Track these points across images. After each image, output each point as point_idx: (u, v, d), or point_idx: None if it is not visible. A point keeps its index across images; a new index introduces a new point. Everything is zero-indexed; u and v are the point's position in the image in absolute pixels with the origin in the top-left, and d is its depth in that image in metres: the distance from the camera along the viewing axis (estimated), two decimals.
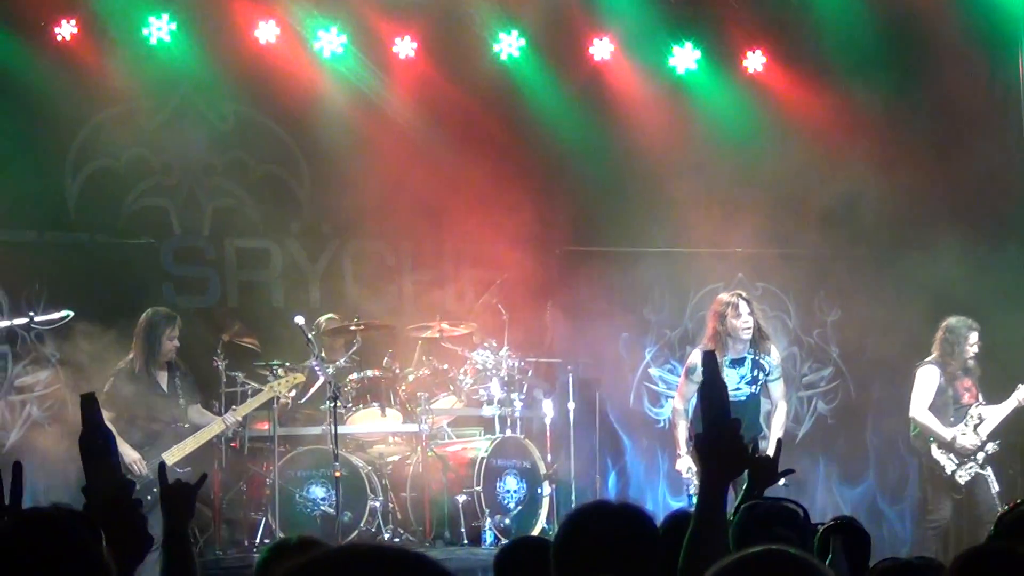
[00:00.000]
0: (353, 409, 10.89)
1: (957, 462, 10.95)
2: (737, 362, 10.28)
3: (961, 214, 12.38)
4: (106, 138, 11.86)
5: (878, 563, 4.59)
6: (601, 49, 12.77)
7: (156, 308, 10.55)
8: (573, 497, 11.15)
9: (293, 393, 10.69)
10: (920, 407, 11.05)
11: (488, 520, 10.44)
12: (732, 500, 4.47)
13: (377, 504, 10.40)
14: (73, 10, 11.63)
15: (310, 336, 10.66)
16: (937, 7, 12.47)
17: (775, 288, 13.16)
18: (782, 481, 4.68)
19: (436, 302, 12.02)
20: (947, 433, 10.94)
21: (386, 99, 12.44)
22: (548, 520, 10.68)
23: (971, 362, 11.08)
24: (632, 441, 12.85)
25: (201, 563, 7.59)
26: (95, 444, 3.66)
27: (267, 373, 10.61)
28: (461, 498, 10.52)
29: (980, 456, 10.96)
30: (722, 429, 3.44)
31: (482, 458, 10.62)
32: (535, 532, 10.43)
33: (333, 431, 10.26)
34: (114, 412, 9.78)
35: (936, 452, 11.01)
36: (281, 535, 9.61)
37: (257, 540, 10.22)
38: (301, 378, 10.66)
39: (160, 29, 11.80)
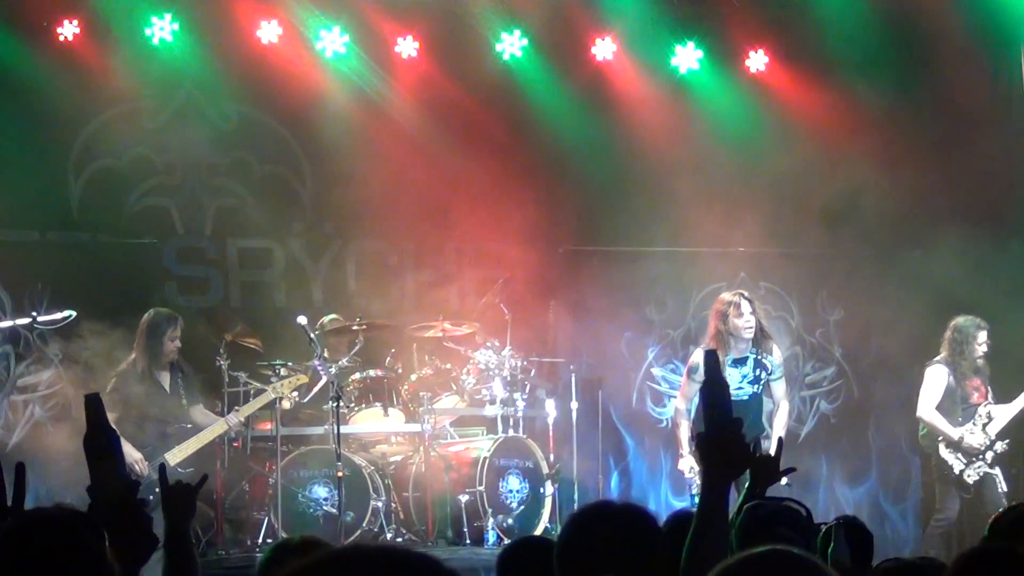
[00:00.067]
0: (356, 409, 10.89)
1: (965, 461, 10.95)
2: (739, 361, 10.27)
3: (964, 213, 12.37)
4: (108, 138, 11.87)
5: (881, 563, 4.59)
6: (603, 49, 12.77)
7: (158, 309, 10.56)
8: (576, 497, 11.15)
9: (296, 394, 10.69)
10: (927, 407, 11.05)
11: (491, 520, 10.44)
12: (735, 500, 4.47)
13: (380, 504, 10.40)
14: (75, 10, 11.63)
15: (313, 336, 10.65)
16: (939, 6, 12.46)
17: (778, 287, 13.16)
18: (784, 480, 4.68)
19: (439, 302, 12.02)
20: (955, 432, 10.94)
21: (388, 99, 12.44)
22: (551, 520, 10.68)
23: (980, 361, 11.08)
24: (635, 441, 12.85)
25: (203, 563, 7.60)
26: (100, 444, 3.67)
27: (270, 373, 10.61)
28: (464, 498, 10.52)
29: (989, 455, 10.95)
30: (724, 429, 3.44)
31: (485, 458, 10.61)
32: (537, 532, 10.42)
33: (336, 431, 10.26)
34: (116, 413, 9.78)
35: (944, 451, 11.00)
36: (284, 535, 9.61)
37: (260, 540, 10.22)
38: (304, 379, 10.66)
39: (163, 29, 11.81)
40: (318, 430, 10.82)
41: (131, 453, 9.92)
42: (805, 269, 13.13)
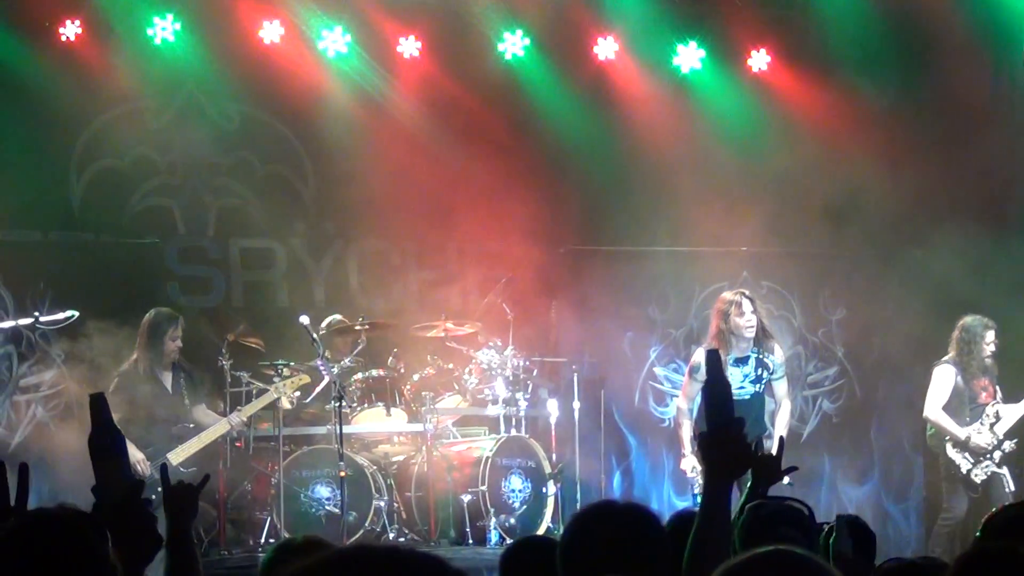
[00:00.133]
0: (358, 409, 10.89)
1: (972, 461, 10.94)
2: (741, 360, 10.27)
3: (967, 211, 12.36)
4: (111, 138, 11.87)
5: (883, 563, 4.58)
6: (605, 48, 12.77)
7: (159, 308, 10.55)
8: (578, 496, 11.15)
9: (298, 394, 10.68)
10: (934, 407, 11.05)
11: (493, 519, 10.44)
12: (737, 499, 4.47)
13: (382, 504, 10.40)
14: (77, 10, 11.63)
15: (315, 336, 10.65)
16: (941, 5, 12.46)
17: (780, 287, 13.15)
18: (786, 479, 4.68)
19: (441, 301, 12.02)
20: (961, 432, 10.94)
21: (390, 99, 12.44)
22: (553, 520, 10.68)
23: (988, 361, 11.07)
24: (637, 440, 12.85)
25: (206, 563, 7.59)
26: (104, 444, 3.67)
27: (272, 373, 10.61)
28: (466, 497, 10.52)
29: (997, 455, 10.94)
30: (726, 428, 3.44)
31: (487, 457, 10.61)
32: (540, 531, 10.42)
33: (338, 431, 10.26)
34: (119, 413, 9.68)
35: (951, 451, 11.00)
36: (286, 535, 9.61)
37: (262, 540, 10.22)
38: (306, 379, 10.66)
39: (165, 29, 11.80)
40: (320, 430, 10.83)
41: (134, 453, 9.90)
42: (807, 268, 13.13)
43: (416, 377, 11.14)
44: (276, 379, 10.50)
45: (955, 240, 11.96)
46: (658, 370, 13.01)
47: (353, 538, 10.01)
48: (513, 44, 12.60)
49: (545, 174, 12.66)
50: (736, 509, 4.29)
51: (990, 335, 11.05)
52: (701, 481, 7.35)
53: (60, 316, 10.29)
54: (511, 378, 10.98)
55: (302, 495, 10.35)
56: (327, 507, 10.34)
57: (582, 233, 12.90)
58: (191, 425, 10.38)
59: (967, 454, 10.96)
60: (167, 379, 10.41)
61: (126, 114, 11.93)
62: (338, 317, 11.41)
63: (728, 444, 3.45)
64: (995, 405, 11.03)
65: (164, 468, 4.42)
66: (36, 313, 10.59)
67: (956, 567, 3.20)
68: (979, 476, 10.92)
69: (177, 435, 10.28)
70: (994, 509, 3.96)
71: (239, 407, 10.39)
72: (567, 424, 11.30)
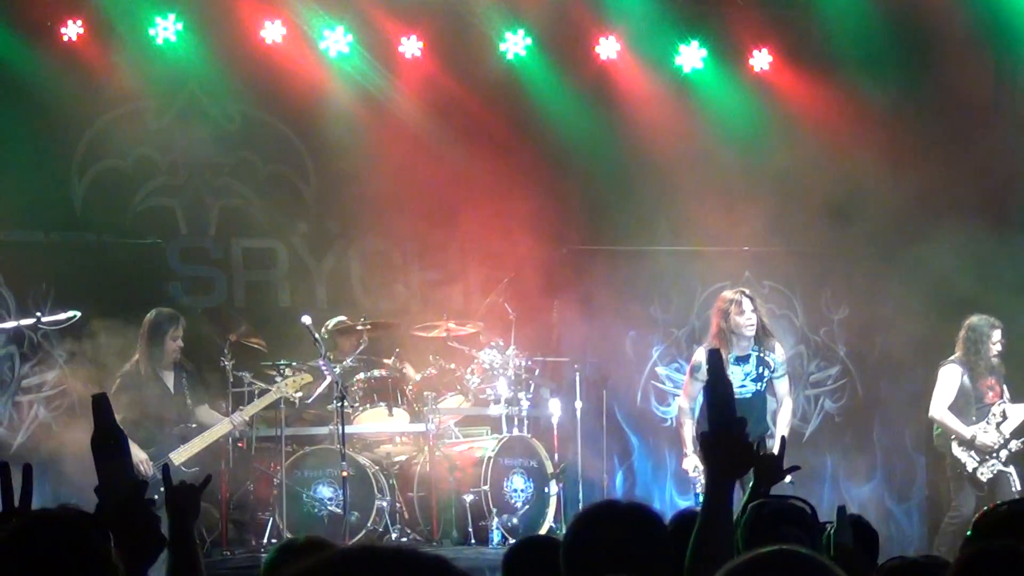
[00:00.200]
0: (360, 409, 10.90)
1: (978, 459, 10.93)
2: (742, 359, 10.26)
3: (969, 210, 12.35)
4: (112, 138, 11.87)
5: (886, 562, 4.57)
6: (607, 48, 12.76)
7: (160, 308, 10.55)
8: (580, 496, 11.15)
9: (300, 394, 10.68)
10: (940, 406, 11.04)
11: (495, 519, 10.44)
12: (739, 498, 4.47)
13: (384, 504, 10.40)
14: (79, 10, 11.63)
15: (317, 336, 10.65)
16: (943, 3, 12.46)
17: (782, 286, 13.15)
18: (788, 478, 4.67)
19: (443, 301, 12.02)
20: (967, 431, 10.93)
21: (392, 98, 12.44)
22: (555, 519, 10.68)
23: (995, 360, 11.07)
24: (639, 440, 12.85)
25: (208, 563, 7.61)
26: (107, 445, 3.66)
27: (274, 373, 10.61)
28: (468, 497, 10.52)
29: (1003, 454, 10.94)
30: (727, 428, 3.44)
31: (489, 457, 10.61)
32: (542, 531, 10.42)
33: (340, 431, 10.26)
34: (121, 414, 9.74)
35: (957, 450, 10.99)
36: (288, 535, 9.61)
37: (264, 540, 10.22)
38: (308, 378, 10.66)
39: (166, 29, 11.80)
40: (323, 430, 10.83)
41: (136, 453, 9.90)
42: (809, 267, 13.13)
43: (418, 377, 11.14)
44: (278, 379, 10.49)
45: (957, 239, 11.96)
46: (660, 369, 13.01)
47: (355, 538, 10.02)
48: (515, 44, 12.60)
49: (547, 174, 12.66)
50: (738, 509, 4.29)
51: (996, 334, 11.04)
52: (703, 480, 7.35)
53: (62, 316, 10.29)
54: (513, 378, 10.98)
55: (304, 495, 10.35)
56: (329, 507, 10.34)
57: (584, 232, 12.90)
58: (194, 425, 10.39)
59: (973, 453, 10.96)
60: (169, 379, 10.41)
61: (128, 114, 11.94)
62: (343, 318, 11.41)
63: (730, 444, 3.44)
64: (1002, 404, 11.02)
65: (166, 468, 4.42)
66: (38, 313, 10.59)
67: (957, 566, 3.19)
68: (985, 475, 10.92)
69: (180, 435, 10.28)
70: (985, 508, 3.95)
71: (241, 407, 10.39)
72: (569, 424, 11.30)
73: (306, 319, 10.60)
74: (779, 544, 2.51)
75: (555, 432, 11.10)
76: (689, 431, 10.33)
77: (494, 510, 10.47)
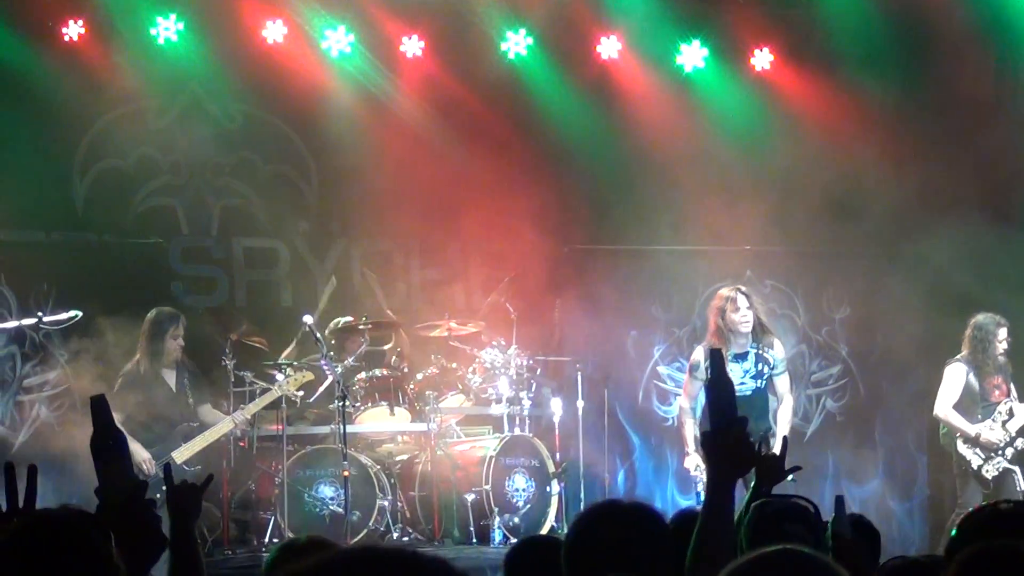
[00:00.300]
0: (362, 408, 10.90)
1: (984, 457, 10.93)
2: (740, 356, 10.25)
3: (971, 208, 12.33)
4: (114, 138, 11.87)
5: (887, 561, 4.58)
6: (608, 47, 12.76)
7: (160, 308, 10.56)
8: (582, 495, 11.14)
9: (302, 392, 10.68)
10: (944, 405, 11.04)
11: (497, 519, 10.44)
12: (742, 497, 4.46)
13: (386, 503, 10.40)
14: (80, 10, 11.63)
15: (319, 335, 10.65)
16: (944, 1, 12.45)
17: (783, 285, 13.15)
18: (790, 477, 4.67)
19: (444, 300, 12.02)
20: (971, 428, 10.93)
21: (394, 98, 12.44)
22: (557, 519, 10.68)
23: (1002, 358, 11.07)
24: (641, 439, 12.85)
25: (210, 563, 7.60)
26: (106, 446, 3.66)
27: (275, 372, 10.61)
28: (470, 497, 10.52)
29: (1009, 452, 10.93)
30: (729, 427, 3.44)
31: (491, 457, 10.61)
32: (544, 531, 10.43)
33: (342, 430, 10.26)
34: (123, 413, 9.76)
35: (962, 447, 10.99)
36: (290, 535, 9.62)
37: (266, 540, 10.22)
38: (310, 376, 10.65)
39: (168, 29, 11.80)
40: (324, 429, 10.84)
41: (139, 452, 9.91)
42: (811, 266, 13.12)
43: (420, 376, 11.14)
44: (279, 378, 10.49)
45: (959, 236, 11.95)
46: (662, 369, 13.00)
47: (357, 538, 10.02)
48: (516, 43, 12.60)
49: (548, 173, 12.65)
50: (741, 508, 4.28)
51: (1002, 332, 11.04)
52: (705, 479, 7.35)
53: (63, 316, 10.29)
54: (515, 377, 10.98)
55: (306, 495, 10.35)
56: (331, 506, 10.33)
57: (586, 232, 12.90)
58: (196, 424, 10.39)
59: (978, 450, 10.95)
60: (171, 378, 10.41)
61: (129, 114, 11.94)
62: (349, 319, 11.40)
63: (731, 443, 3.44)
64: (1008, 402, 11.01)
65: (167, 468, 4.41)
66: (39, 313, 10.59)
67: (958, 565, 3.18)
68: (990, 472, 10.91)
69: (182, 434, 10.29)
70: (970, 509, 3.94)
71: (242, 405, 10.39)
72: (571, 423, 11.30)
73: (307, 319, 10.60)
74: (783, 543, 2.51)
75: (557, 431, 11.10)
76: (691, 430, 10.33)
77: (496, 509, 10.47)
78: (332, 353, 10.82)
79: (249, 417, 10.37)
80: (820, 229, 12.71)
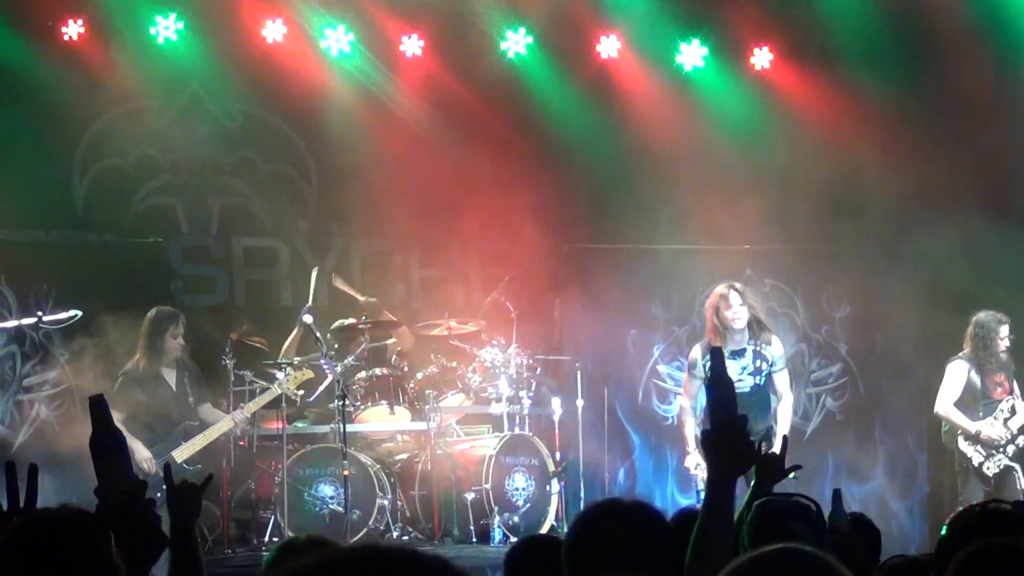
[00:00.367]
0: (361, 407, 10.90)
1: (985, 454, 10.93)
2: (737, 353, 10.23)
3: (971, 206, 12.34)
4: (114, 137, 11.87)
5: (887, 560, 4.58)
6: (608, 46, 12.76)
7: (160, 307, 10.56)
8: (582, 494, 11.15)
9: (301, 391, 10.69)
10: (945, 402, 11.05)
11: (497, 518, 10.44)
12: (743, 495, 4.46)
13: (386, 502, 10.40)
14: (80, 10, 11.63)
15: (318, 335, 10.65)
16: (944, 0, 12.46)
17: (783, 284, 13.15)
18: (791, 475, 4.68)
19: (444, 299, 12.03)
20: (972, 426, 10.94)
21: (393, 97, 12.44)
22: (557, 518, 10.69)
23: (1004, 356, 11.08)
24: (641, 438, 12.85)
25: (209, 562, 7.59)
26: (105, 446, 3.66)
27: (275, 371, 10.61)
28: (470, 496, 10.53)
29: (1010, 449, 10.93)
30: (729, 426, 3.43)
31: (491, 456, 10.62)
32: (544, 530, 10.44)
33: (342, 429, 10.26)
34: (123, 412, 9.77)
35: (963, 444, 10.99)
36: (290, 534, 9.62)
37: (266, 539, 10.23)
38: (310, 374, 10.65)
39: (167, 28, 11.81)
40: (324, 428, 10.84)
41: (140, 451, 9.92)
42: (810, 265, 13.12)
43: (420, 375, 11.15)
44: (279, 374, 10.49)
45: (959, 234, 11.95)
46: (661, 367, 13.00)
47: (357, 536, 10.02)
48: (516, 42, 12.60)
49: (548, 172, 12.65)
50: (741, 506, 4.28)
51: (1004, 330, 11.04)
52: (705, 478, 7.35)
53: (63, 315, 10.29)
54: (514, 376, 10.99)
55: (306, 494, 10.35)
56: (331, 506, 10.33)
57: (585, 230, 12.90)
58: (196, 423, 10.39)
59: (979, 447, 10.95)
60: (171, 377, 10.41)
61: (129, 113, 11.94)
62: (351, 320, 11.39)
63: (731, 441, 3.44)
64: (1010, 400, 11.02)
65: (168, 467, 4.41)
66: (39, 312, 10.59)
67: (958, 564, 3.18)
68: (991, 469, 10.91)
69: (182, 433, 10.29)
70: (960, 508, 3.95)
71: (242, 404, 10.39)
72: (571, 422, 11.30)
73: (307, 318, 10.60)
74: (785, 541, 2.51)
75: (556, 430, 11.10)
76: (691, 429, 10.32)
77: (495, 508, 10.47)
78: (332, 353, 10.82)
79: (249, 415, 10.37)
80: (820, 227, 12.70)
